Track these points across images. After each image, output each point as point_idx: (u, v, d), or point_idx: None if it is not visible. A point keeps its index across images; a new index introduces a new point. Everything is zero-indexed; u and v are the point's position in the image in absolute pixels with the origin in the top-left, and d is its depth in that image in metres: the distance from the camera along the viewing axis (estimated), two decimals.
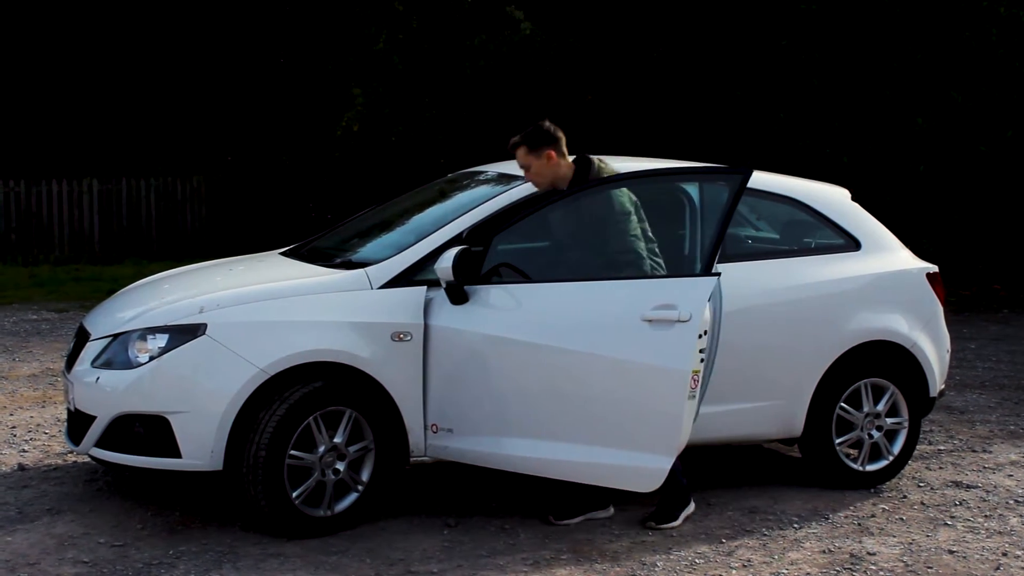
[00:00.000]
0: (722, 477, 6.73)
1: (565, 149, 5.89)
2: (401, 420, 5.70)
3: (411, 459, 5.77)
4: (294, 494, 5.51)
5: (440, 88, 17.18)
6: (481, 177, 6.89)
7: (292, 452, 5.49)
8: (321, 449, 5.57)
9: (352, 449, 5.64)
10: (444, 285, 5.68)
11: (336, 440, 5.60)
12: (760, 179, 6.74)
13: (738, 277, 6.29)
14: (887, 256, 6.78)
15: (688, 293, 5.51)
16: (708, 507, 6.18)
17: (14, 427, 7.53)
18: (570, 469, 5.65)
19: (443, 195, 6.88)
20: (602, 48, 16.60)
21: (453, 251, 5.62)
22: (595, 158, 5.92)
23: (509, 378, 5.66)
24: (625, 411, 5.54)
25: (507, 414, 5.68)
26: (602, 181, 5.81)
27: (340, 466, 5.62)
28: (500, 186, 6.37)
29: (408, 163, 17.04)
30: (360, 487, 5.67)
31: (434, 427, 5.74)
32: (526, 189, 6.14)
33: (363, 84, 17.43)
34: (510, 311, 5.72)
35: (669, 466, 5.54)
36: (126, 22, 19.09)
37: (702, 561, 5.46)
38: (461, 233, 5.89)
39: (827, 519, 6.07)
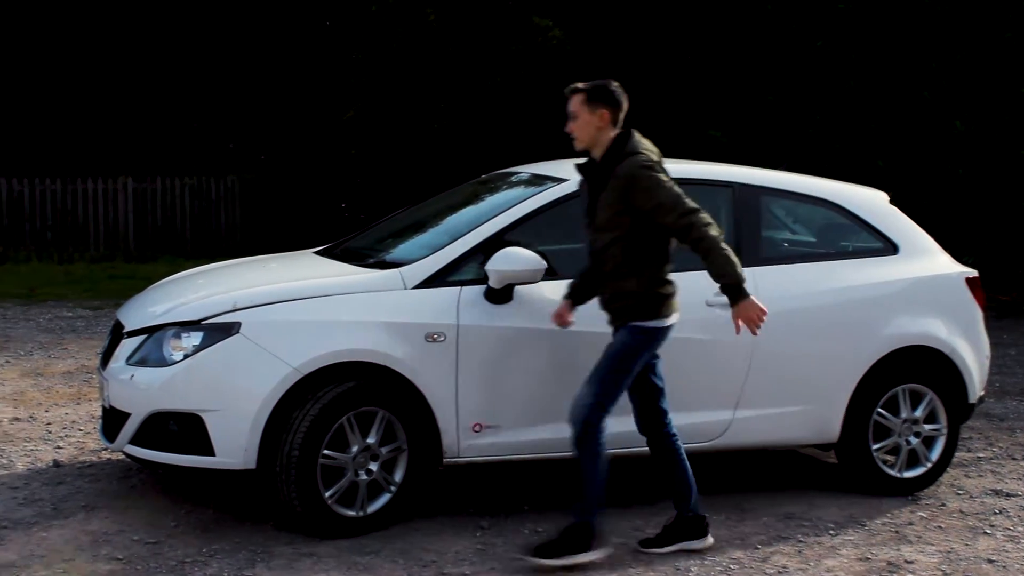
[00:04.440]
0: (757, 482, 6.69)
1: (621, 118, 5.45)
2: (434, 421, 5.69)
3: (444, 460, 5.77)
4: (327, 494, 5.52)
5: (465, 92, 17.19)
6: (514, 178, 6.89)
7: (325, 452, 5.50)
8: (354, 449, 5.58)
9: (385, 450, 5.64)
10: (497, 286, 5.68)
11: (369, 440, 5.60)
12: (796, 181, 6.74)
13: (774, 281, 6.27)
14: (925, 260, 6.72)
15: None
16: (743, 512, 6.14)
17: (49, 424, 7.58)
18: (643, 437, 5.78)
19: (476, 196, 6.88)
20: (633, 53, 16.56)
21: (513, 252, 5.62)
22: (637, 134, 5.46)
23: (573, 366, 5.73)
24: (692, 379, 5.97)
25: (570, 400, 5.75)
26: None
27: (373, 466, 5.62)
28: (534, 187, 6.36)
29: (441, 165, 17.05)
30: (393, 488, 5.67)
31: (477, 426, 5.74)
32: (560, 190, 6.13)
33: (372, 85, 17.44)
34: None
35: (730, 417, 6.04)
36: (163, 22, 19.21)
37: (736, 567, 5.43)
38: (499, 234, 5.89)
39: (864, 526, 6.02)
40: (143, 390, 5.66)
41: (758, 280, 6.20)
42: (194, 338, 5.61)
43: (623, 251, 5.29)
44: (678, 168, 6.68)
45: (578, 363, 5.82)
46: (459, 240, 5.93)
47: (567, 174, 6.33)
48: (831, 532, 5.91)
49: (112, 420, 5.88)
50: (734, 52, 15.70)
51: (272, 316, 5.60)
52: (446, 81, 17.20)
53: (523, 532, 5.76)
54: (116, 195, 18.36)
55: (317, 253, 6.86)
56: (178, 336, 5.65)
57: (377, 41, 17.37)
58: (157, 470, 6.26)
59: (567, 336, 5.82)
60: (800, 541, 5.78)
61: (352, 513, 5.59)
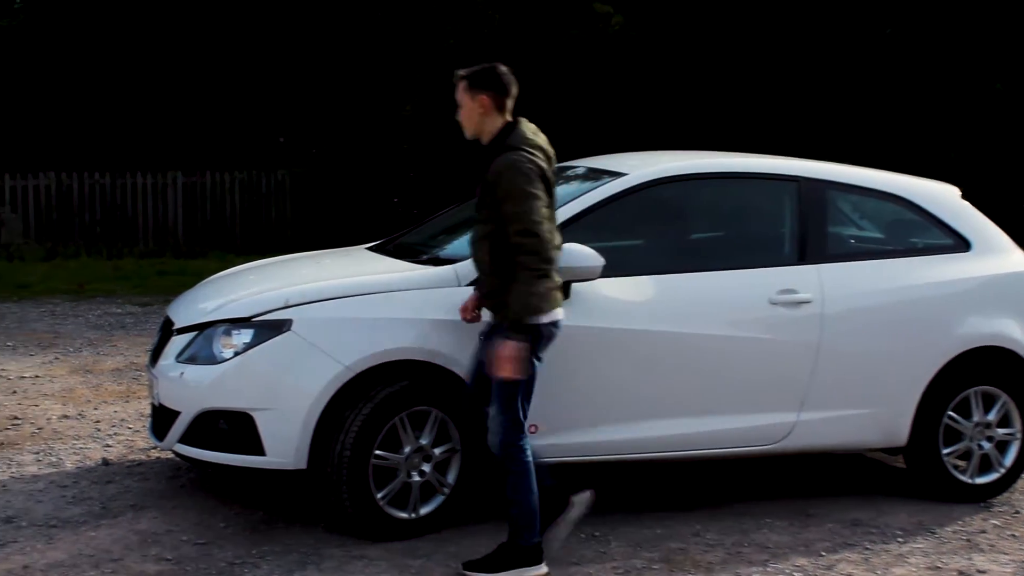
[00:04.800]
0: (822, 487, 6.65)
1: (508, 105, 5.25)
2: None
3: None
4: (379, 495, 5.54)
5: (523, 82, 17.18)
6: (570, 172, 6.87)
7: (377, 452, 5.52)
8: (407, 450, 5.60)
9: (438, 451, 5.66)
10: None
11: (422, 441, 5.62)
12: (864, 175, 6.68)
13: (840, 278, 6.23)
14: (999, 258, 6.64)
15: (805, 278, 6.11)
16: (807, 518, 6.10)
17: (98, 421, 7.68)
18: (704, 439, 5.97)
19: None
20: (699, 41, 16.47)
21: (570, 248, 5.63)
22: (525, 123, 5.27)
23: (633, 366, 5.82)
24: (754, 380, 6.01)
25: (630, 400, 5.88)
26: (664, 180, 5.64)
27: (426, 467, 5.64)
28: (591, 182, 6.35)
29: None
30: (446, 490, 5.68)
31: (532, 427, 5.74)
32: (619, 185, 6.12)
33: (429, 79, 17.47)
34: (626, 304, 5.86)
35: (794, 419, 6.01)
36: (215, 14, 19.37)
37: (800, 575, 5.39)
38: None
39: (934, 534, 5.96)
40: (193, 388, 5.72)
41: (824, 278, 6.17)
42: (245, 335, 5.65)
43: (491, 247, 5.13)
44: (742, 162, 6.71)
45: (638, 362, 5.86)
46: None
47: (626, 168, 6.33)
48: (899, 540, 5.86)
49: (161, 418, 5.94)
50: (801, 41, 15.58)
51: (324, 313, 5.63)
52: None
53: (579, 536, 5.74)
54: (165, 189, 18.56)
55: (369, 249, 6.89)
56: (228, 333, 5.70)
57: (435, 34, 17.41)
58: (206, 469, 6.33)
59: (626, 335, 5.82)
60: (867, 549, 5.73)
61: (404, 515, 5.62)
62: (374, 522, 5.57)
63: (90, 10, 19.44)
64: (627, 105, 16.71)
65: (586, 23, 16.96)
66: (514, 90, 5.27)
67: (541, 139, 5.27)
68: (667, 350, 5.93)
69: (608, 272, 5.74)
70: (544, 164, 5.16)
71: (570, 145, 14.70)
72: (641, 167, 6.33)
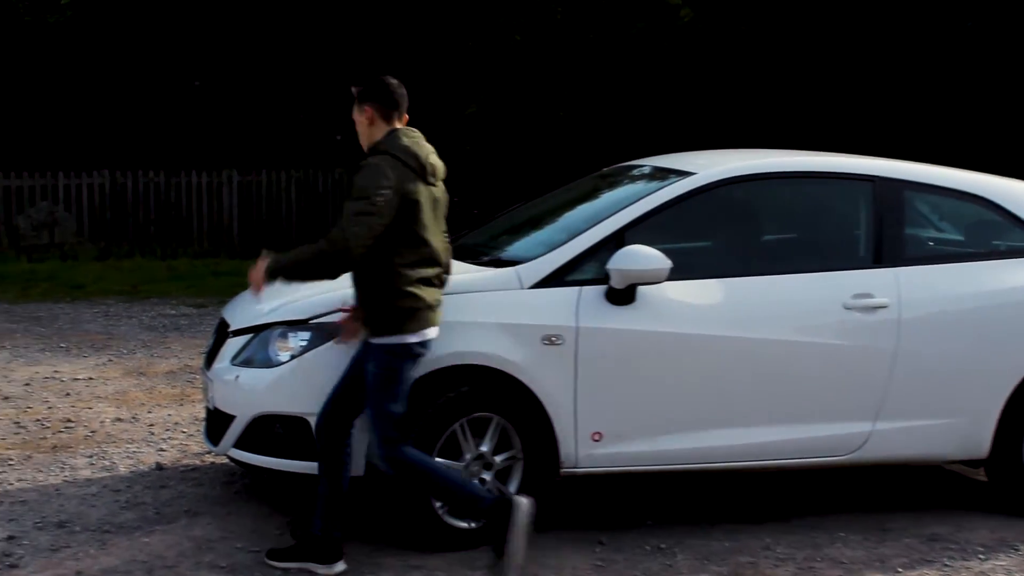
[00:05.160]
0: (899, 500, 6.56)
1: (396, 116, 5.32)
2: (551, 429, 5.69)
3: (561, 471, 5.76)
4: (438, 503, 5.54)
5: (589, 77, 17.14)
6: (636, 172, 6.85)
7: (437, 460, 5.52)
8: (467, 457, 5.60)
9: (499, 458, 5.66)
10: (619, 286, 5.66)
11: (482, 448, 5.62)
12: (943, 175, 6.59)
13: (918, 283, 6.16)
14: None
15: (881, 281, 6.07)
16: (883, 533, 6.03)
17: (152, 425, 7.75)
18: (774, 449, 5.95)
19: (596, 191, 6.86)
20: (771, 34, 16.34)
21: (636, 250, 5.60)
22: (406, 131, 5.33)
23: (700, 373, 5.80)
24: (827, 388, 5.96)
25: (697, 408, 5.84)
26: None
27: (486, 476, 5.63)
28: (657, 181, 6.32)
29: (559, 158, 17.04)
30: None
31: (596, 435, 5.73)
32: (686, 185, 6.09)
33: (492, 74, 17.49)
34: (693, 307, 5.83)
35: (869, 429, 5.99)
36: (273, 12, 19.51)
37: None
38: (621, 231, 5.86)
39: (1017, 551, 5.85)
40: (248, 392, 5.75)
41: (901, 282, 6.10)
42: (301, 338, 5.68)
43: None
44: (815, 161, 6.64)
45: (705, 369, 5.83)
46: (578, 237, 5.90)
47: (694, 167, 6.29)
48: (980, 556, 5.77)
49: (216, 422, 5.98)
50: (882, 34, 15.39)
51: None
52: (570, 67, 17.16)
53: (645, 548, 5.72)
54: (220, 188, 18.71)
55: None
56: (285, 336, 5.73)
57: (499, 32, 17.42)
58: (262, 475, 6.37)
59: (694, 340, 5.79)
60: (946, 565, 5.64)
61: (464, 525, 5.61)
62: (433, 531, 5.57)
63: (143, 5, 19.65)
64: (695, 102, 16.62)
65: (653, 16, 16.87)
66: (403, 102, 5.36)
67: (421, 149, 5.30)
68: (736, 356, 5.89)
69: (675, 275, 5.72)
70: (412, 169, 5.19)
71: (635, 143, 14.69)
72: (710, 166, 6.29)
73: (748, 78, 16.59)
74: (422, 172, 5.23)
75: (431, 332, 5.24)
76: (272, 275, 5.12)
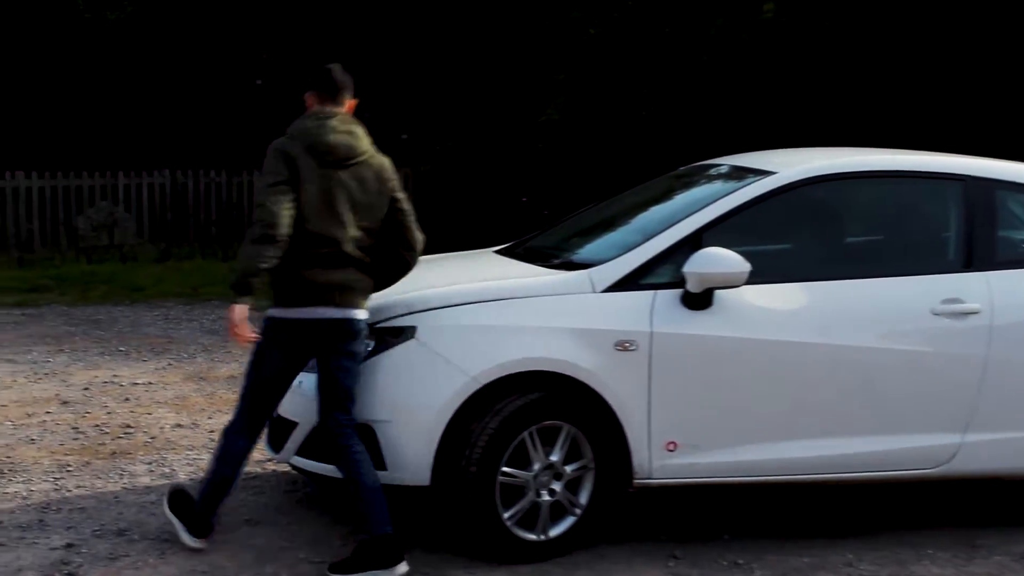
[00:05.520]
0: (990, 516, 6.44)
1: (339, 101, 5.70)
2: (624, 438, 5.64)
3: (635, 481, 5.70)
4: (506, 515, 5.51)
5: (667, 74, 17.04)
6: (713, 171, 6.79)
7: (505, 469, 5.49)
8: (536, 467, 5.56)
9: (570, 468, 5.61)
10: (695, 290, 5.60)
11: (552, 458, 5.58)
12: None
13: (1012, 287, 6.05)
14: None
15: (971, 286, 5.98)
16: (973, 550, 5.91)
17: (212, 431, 7.79)
18: (858, 461, 5.86)
19: (672, 191, 6.81)
20: (854, 29, 16.13)
21: (713, 252, 5.54)
22: (311, 116, 5.67)
23: (780, 381, 5.74)
24: (914, 397, 5.88)
25: (777, 417, 5.78)
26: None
27: (556, 486, 5.59)
28: (735, 181, 6.26)
29: (636, 157, 16.95)
30: (578, 510, 5.63)
31: (671, 445, 5.67)
32: (765, 185, 6.02)
33: (569, 71, 17.43)
34: (773, 313, 5.77)
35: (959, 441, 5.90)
36: (337, 9, 19.61)
37: None
38: (697, 232, 5.80)
39: None
40: (311, 398, 5.75)
41: (993, 286, 5.99)
42: (365, 343, 5.67)
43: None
44: (901, 160, 6.54)
45: (785, 377, 5.75)
46: (653, 239, 5.85)
47: (774, 166, 6.22)
48: None
49: (278, 429, 5.99)
50: (976, 27, 15.11)
51: (449, 320, 5.62)
52: (648, 64, 17.06)
53: (721, 563, 5.65)
54: None
55: (497, 252, 6.89)
56: None
57: (574, 26, 17.38)
58: (324, 483, 6.37)
59: (773, 347, 5.71)
60: None
61: (532, 537, 5.58)
62: (500, 543, 5.54)
63: (204, 1, 19.83)
64: (777, 99, 16.45)
65: (733, 11, 16.73)
66: (344, 88, 5.69)
67: (324, 130, 5.50)
68: (818, 364, 5.80)
69: (754, 278, 5.65)
70: (306, 149, 5.42)
71: (714, 141, 14.56)
72: (791, 165, 6.21)
73: (834, 74, 16.39)
74: (316, 153, 5.42)
75: (325, 312, 5.39)
76: (240, 292, 5.31)
